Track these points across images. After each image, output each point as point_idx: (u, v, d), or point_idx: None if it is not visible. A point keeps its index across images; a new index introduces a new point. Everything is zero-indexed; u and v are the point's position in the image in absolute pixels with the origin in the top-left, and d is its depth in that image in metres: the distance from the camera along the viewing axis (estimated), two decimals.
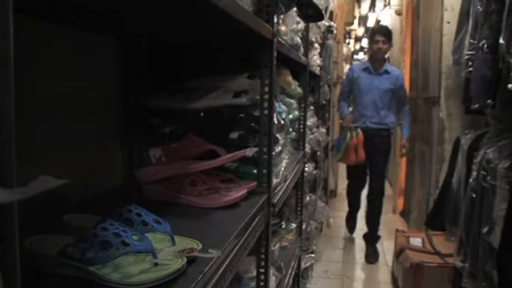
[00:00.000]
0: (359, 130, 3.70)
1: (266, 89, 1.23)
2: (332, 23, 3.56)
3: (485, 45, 2.13)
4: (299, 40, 1.84)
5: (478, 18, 2.27)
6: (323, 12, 2.19)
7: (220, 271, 0.76)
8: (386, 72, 3.83)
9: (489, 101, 2.08)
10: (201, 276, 0.66)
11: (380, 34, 3.83)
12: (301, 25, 1.94)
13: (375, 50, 3.83)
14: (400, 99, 3.88)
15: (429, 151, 3.45)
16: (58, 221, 0.81)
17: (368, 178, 4.00)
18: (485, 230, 2.00)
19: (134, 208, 0.79)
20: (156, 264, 0.65)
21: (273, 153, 1.28)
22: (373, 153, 3.80)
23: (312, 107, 2.83)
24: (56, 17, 0.95)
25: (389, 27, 4.26)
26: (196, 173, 1.12)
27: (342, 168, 4.92)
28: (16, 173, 0.33)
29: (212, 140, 1.22)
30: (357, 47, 11.67)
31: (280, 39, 1.36)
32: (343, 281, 3.31)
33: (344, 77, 4.88)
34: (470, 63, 2.34)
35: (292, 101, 1.76)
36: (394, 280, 3.16)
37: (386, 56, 4.07)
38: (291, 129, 1.73)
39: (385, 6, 7.10)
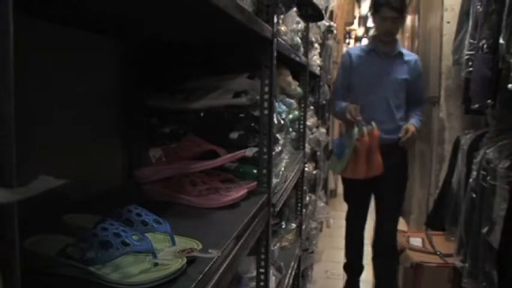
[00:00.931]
0: (373, 124, 2.47)
1: (266, 89, 1.23)
2: (332, 23, 3.56)
3: (485, 45, 2.13)
4: (299, 40, 1.84)
5: (478, 18, 2.28)
6: (323, 12, 2.19)
7: (220, 271, 0.76)
8: (400, 55, 2.68)
9: (489, 101, 2.09)
10: (201, 276, 0.66)
11: (389, 8, 2.55)
12: (301, 25, 1.95)
13: (381, 31, 2.65)
14: (414, 96, 2.71)
15: (429, 151, 3.45)
16: (58, 221, 0.81)
17: (375, 217, 2.83)
18: (485, 230, 2.00)
19: (134, 208, 0.79)
20: (156, 264, 0.65)
21: (273, 153, 1.28)
22: (386, 181, 2.60)
23: (312, 107, 2.83)
24: (56, 17, 0.95)
25: None
26: (196, 173, 1.12)
27: None
28: (16, 173, 0.33)
29: (212, 140, 1.22)
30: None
31: (280, 39, 1.36)
32: (343, 281, 3.31)
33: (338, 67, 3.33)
34: (470, 63, 2.34)
35: (292, 101, 1.76)
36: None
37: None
38: (291, 129, 1.73)
39: None
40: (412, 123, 2.60)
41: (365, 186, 2.68)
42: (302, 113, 2.26)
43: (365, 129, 2.47)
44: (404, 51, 2.78)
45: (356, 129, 2.48)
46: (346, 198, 2.96)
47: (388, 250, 2.76)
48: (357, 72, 2.70)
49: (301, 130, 2.27)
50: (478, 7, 2.27)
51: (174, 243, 0.74)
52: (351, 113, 2.51)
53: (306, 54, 2.26)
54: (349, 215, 3.00)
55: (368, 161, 2.49)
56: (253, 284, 1.32)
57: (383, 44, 2.68)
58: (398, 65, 2.67)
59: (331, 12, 3.89)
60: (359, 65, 2.70)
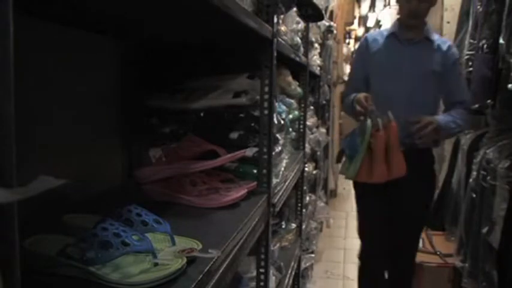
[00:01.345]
0: (390, 114, 1.93)
1: (266, 89, 1.23)
2: (332, 23, 3.56)
3: (485, 45, 2.13)
4: (299, 40, 1.84)
5: (478, 18, 2.28)
6: (323, 12, 2.18)
7: (220, 271, 0.76)
8: (428, 40, 2.09)
9: (489, 101, 2.09)
10: (201, 276, 0.66)
11: None
12: (301, 25, 1.95)
13: (405, 13, 2.07)
14: (452, 94, 2.11)
15: None
16: (58, 221, 0.81)
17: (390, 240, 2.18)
18: (485, 230, 2.00)
19: (134, 208, 0.79)
20: (156, 264, 0.65)
21: (273, 153, 1.28)
22: (404, 196, 2.08)
23: (312, 107, 2.84)
24: (56, 17, 0.95)
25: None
26: (196, 173, 1.12)
27: None
28: (16, 173, 0.33)
29: (212, 140, 1.22)
30: (357, 47, 11.67)
31: (280, 39, 1.36)
32: (343, 281, 3.31)
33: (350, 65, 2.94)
34: (470, 63, 2.35)
35: (292, 101, 1.76)
36: None
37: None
38: (291, 129, 1.73)
39: (385, 6, 7.10)
40: (435, 117, 2.01)
41: (383, 197, 2.11)
42: (302, 113, 2.26)
43: (379, 121, 1.93)
44: (435, 36, 2.15)
45: (368, 122, 1.94)
46: (362, 220, 2.28)
47: (404, 269, 2.26)
48: (372, 60, 2.15)
49: (301, 130, 2.27)
50: (478, 7, 2.28)
51: (174, 243, 0.74)
52: (360, 103, 1.95)
53: (306, 54, 2.26)
54: (365, 251, 2.29)
55: (387, 160, 1.95)
56: (253, 284, 1.32)
57: (406, 28, 2.09)
58: (425, 53, 2.08)
59: (331, 12, 3.89)
60: (376, 52, 2.14)
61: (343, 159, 2.13)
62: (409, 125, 1.96)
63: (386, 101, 2.01)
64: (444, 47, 2.09)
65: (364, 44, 2.20)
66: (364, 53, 2.19)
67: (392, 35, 2.13)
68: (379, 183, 1.98)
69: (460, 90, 2.12)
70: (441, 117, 2.04)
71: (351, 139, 2.04)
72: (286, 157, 1.59)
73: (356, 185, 2.24)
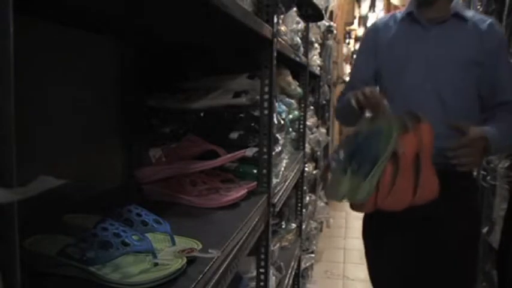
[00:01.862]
0: (421, 115, 1.27)
1: (266, 89, 1.23)
2: (332, 23, 3.56)
3: None
4: (299, 40, 1.84)
5: None
6: (323, 12, 2.19)
7: (220, 271, 0.76)
8: (459, 18, 1.48)
9: None
10: (201, 276, 0.66)
11: None
12: (301, 25, 1.95)
13: None
14: (496, 91, 1.44)
15: None
16: (58, 221, 0.81)
17: None
18: (485, 230, 2.00)
19: (134, 208, 0.79)
20: (156, 264, 0.65)
21: (273, 153, 1.28)
22: (440, 241, 1.45)
23: (312, 107, 2.84)
24: (56, 17, 0.95)
25: None
26: (196, 173, 1.13)
27: None
28: (16, 173, 0.33)
29: (212, 140, 1.23)
30: (357, 47, 11.67)
31: (280, 39, 1.36)
32: (343, 281, 3.31)
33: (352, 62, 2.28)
34: None
35: (292, 101, 1.76)
36: None
37: None
38: (291, 129, 1.73)
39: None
40: (481, 128, 1.35)
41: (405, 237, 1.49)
42: (302, 113, 2.26)
43: (407, 119, 1.26)
44: (470, 12, 1.55)
45: (394, 119, 1.26)
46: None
47: None
48: (384, 52, 1.55)
49: (301, 130, 2.27)
50: (478, 7, 2.27)
51: (174, 243, 0.74)
52: (365, 95, 1.32)
53: (306, 54, 2.26)
54: None
55: (416, 176, 1.28)
56: (253, 284, 1.32)
57: (426, 4, 1.49)
58: (456, 35, 1.47)
59: (331, 12, 3.90)
60: (388, 41, 1.54)
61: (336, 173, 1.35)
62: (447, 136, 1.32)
63: (405, 105, 1.37)
64: (483, 26, 1.46)
65: (372, 33, 1.61)
66: (373, 46, 1.58)
67: (408, 16, 1.53)
68: (394, 216, 1.32)
69: (509, 84, 1.46)
70: (489, 129, 1.36)
71: (358, 144, 1.30)
72: (286, 157, 1.59)
73: (367, 221, 1.61)
